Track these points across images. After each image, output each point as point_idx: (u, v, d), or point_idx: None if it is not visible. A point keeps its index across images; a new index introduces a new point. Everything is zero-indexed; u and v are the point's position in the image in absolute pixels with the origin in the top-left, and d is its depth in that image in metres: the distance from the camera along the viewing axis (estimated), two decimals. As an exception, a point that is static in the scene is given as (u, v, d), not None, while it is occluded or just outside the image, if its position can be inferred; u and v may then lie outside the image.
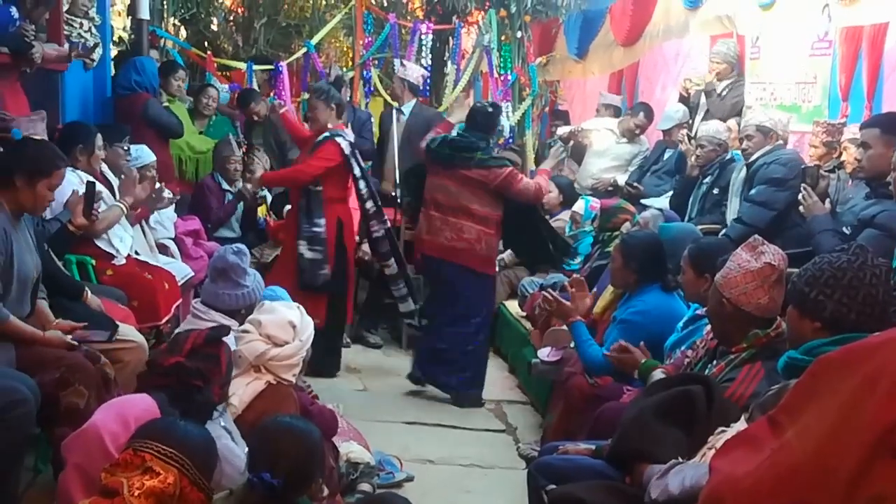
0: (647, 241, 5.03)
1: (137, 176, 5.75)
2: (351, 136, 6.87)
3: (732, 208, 6.13)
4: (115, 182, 5.85)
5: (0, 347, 3.87)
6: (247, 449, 3.49)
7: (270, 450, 2.87)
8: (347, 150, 6.39)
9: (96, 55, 6.52)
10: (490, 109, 6.36)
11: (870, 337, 1.81)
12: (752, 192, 5.79)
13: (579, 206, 7.13)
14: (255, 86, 9.20)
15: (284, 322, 4.13)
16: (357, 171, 6.44)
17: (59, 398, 3.79)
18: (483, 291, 6.43)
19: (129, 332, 4.58)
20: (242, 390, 3.79)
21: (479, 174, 6.11)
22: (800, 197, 5.17)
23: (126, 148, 6.18)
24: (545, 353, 5.36)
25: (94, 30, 6.55)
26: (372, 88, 9.91)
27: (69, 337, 4.09)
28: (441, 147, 6.25)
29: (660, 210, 6.62)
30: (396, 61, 9.73)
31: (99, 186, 5.31)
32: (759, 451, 1.79)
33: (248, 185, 7.40)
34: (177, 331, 4.47)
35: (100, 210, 5.16)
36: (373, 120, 8.82)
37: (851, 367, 1.70)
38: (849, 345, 1.80)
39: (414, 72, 8.35)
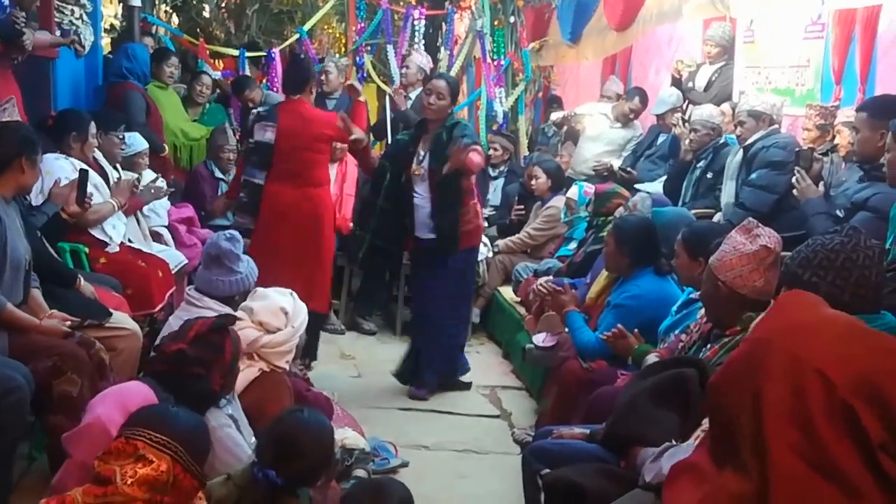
0: (640, 225, 5.03)
1: (135, 183, 5.72)
2: None
3: (727, 192, 6.12)
4: (109, 169, 5.83)
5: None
6: (253, 438, 3.51)
7: (284, 448, 2.90)
8: None
9: (87, 42, 6.48)
10: None
11: (743, 344, 1.86)
12: (753, 176, 5.78)
13: (573, 191, 7.11)
14: (247, 73, 9.17)
15: (276, 308, 4.13)
16: None
17: (51, 386, 3.79)
18: None
19: (122, 319, 4.57)
20: (235, 378, 3.78)
21: None
22: (793, 180, 5.16)
23: (121, 137, 6.16)
24: (540, 339, 5.36)
25: (84, 17, 6.51)
26: (365, 74, 9.89)
27: (66, 324, 4.09)
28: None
29: (648, 193, 6.61)
30: (389, 47, 9.73)
31: (93, 175, 5.30)
32: (701, 483, 1.83)
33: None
34: (170, 318, 4.47)
35: (93, 198, 5.15)
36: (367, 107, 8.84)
37: (736, 390, 1.75)
38: (728, 361, 1.85)
39: (424, 60, 8.45)
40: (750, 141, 5.88)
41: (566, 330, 5.01)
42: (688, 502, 1.83)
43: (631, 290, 4.79)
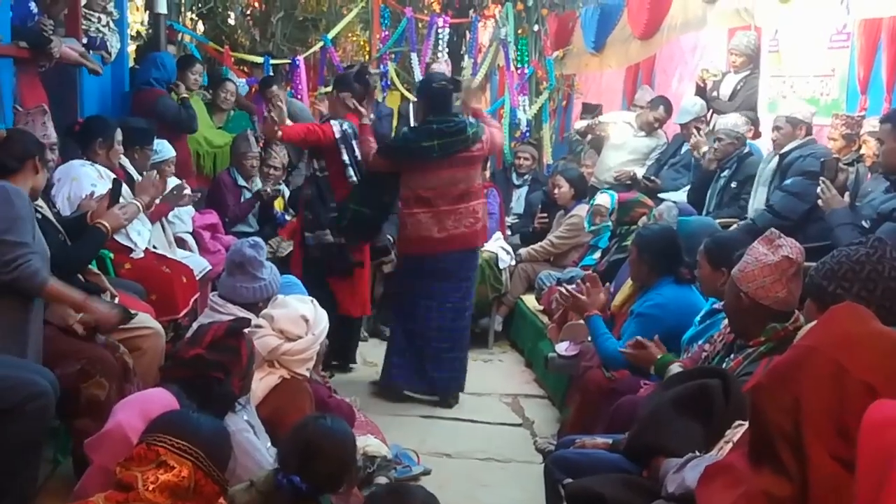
0: (662, 233, 5.01)
1: (157, 178, 5.74)
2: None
3: (759, 198, 6.09)
4: (135, 176, 5.88)
5: (19, 340, 3.86)
6: (269, 444, 3.52)
7: (307, 454, 2.92)
8: (338, 135, 6.13)
9: (113, 50, 6.53)
10: (446, 85, 6.15)
11: (789, 351, 1.85)
12: (788, 182, 5.75)
13: (605, 199, 7.02)
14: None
15: (297, 316, 4.14)
16: (346, 158, 6.13)
17: (80, 390, 3.82)
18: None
19: (145, 319, 4.58)
20: (256, 385, 3.79)
21: (479, 148, 6.03)
22: (818, 190, 5.14)
23: (155, 149, 6.25)
24: (563, 348, 5.36)
25: (111, 24, 6.56)
26: (389, 82, 9.92)
27: (116, 300, 4.10)
28: (437, 139, 5.91)
29: (674, 203, 6.59)
30: (413, 55, 9.76)
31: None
32: (737, 485, 1.82)
33: (267, 185, 7.47)
34: (195, 324, 4.49)
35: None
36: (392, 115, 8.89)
37: (779, 395, 1.75)
38: (772, 366, 1.84)
39: (447, 69, 8.53)
40: (787, 149, 5.86)
41: (589, 338, 5.00)
42: (722, 502, 1.83)
43: (654, 298, 4.77)
